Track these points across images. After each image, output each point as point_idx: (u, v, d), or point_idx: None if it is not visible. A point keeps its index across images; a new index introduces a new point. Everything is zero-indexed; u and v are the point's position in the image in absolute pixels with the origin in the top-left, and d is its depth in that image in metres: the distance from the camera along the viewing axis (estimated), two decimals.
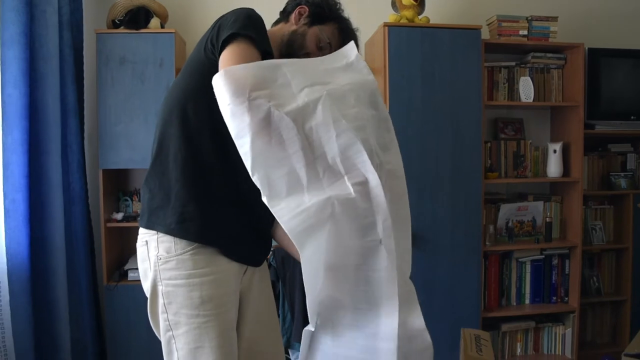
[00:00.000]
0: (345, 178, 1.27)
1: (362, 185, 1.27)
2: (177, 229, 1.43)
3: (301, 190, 1.26)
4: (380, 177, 1.27)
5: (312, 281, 1.29)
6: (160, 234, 1.45)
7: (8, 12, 2.32)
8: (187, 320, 1.43)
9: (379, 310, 1.34)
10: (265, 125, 1.23)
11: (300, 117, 1.25)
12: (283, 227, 1.22)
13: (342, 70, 1.42)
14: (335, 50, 1.55)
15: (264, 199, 1.24)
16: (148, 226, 1.48)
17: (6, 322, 2.35)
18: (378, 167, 1.28)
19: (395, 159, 1.43)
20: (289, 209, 1.23)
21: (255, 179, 1.24)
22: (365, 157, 1.26)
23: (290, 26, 1.61)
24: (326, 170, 1.27)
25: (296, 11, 1.62)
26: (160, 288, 1.45)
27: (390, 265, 1.31)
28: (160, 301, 1.46)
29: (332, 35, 1.61)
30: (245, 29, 1.38)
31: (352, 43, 1.48)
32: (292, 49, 1.58)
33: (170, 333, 1.45)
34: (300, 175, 1.26)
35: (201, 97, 1.44)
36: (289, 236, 1.21)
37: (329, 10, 1.62)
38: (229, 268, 1.48)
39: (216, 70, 1.31)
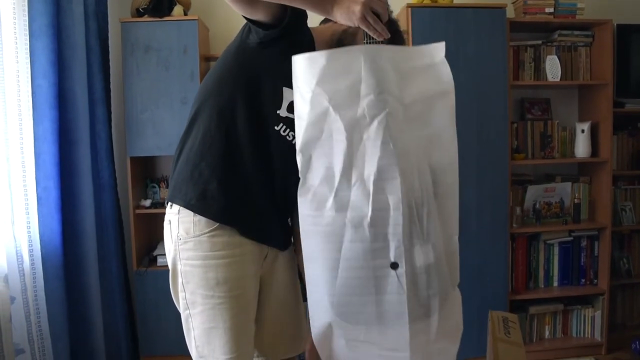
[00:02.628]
0: (370, 199, 1.29)
1: (383, 212, 1.29)
2: (197, 206, 1.46)
3: (331, 190, 1.31)
4: (409, 203, 1.30)
5: (314, 284, 1.39)
6: (182, 212, 1.48)
7: (36, 3, 2.36)
8: (203, 301, 1.46)
9: (389, 328, 1.38)
10: (321, 119, 1.28)
11: (354, 125, 1.29)
12: (299, 214, 1.34)
13: (422, 72, 1.36)
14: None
15: (300, 176, 1.32)
16: (170, 199, 1.53)
17: (41, 307, 2.41)
18: (411, 190, 1.31)
19: (448, 178, 1.47)
20: (311, 205, 1.32)
21: (298, 159, 1.31)
22: (397, 184, 1.28)
23: (340, 26, 1.56)
24: (358, 181, 1.30)
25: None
26: (179, 267, 1.50)
27: (399, 288, 1.33)
28: (180, 280, 1.50)
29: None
30: None
31: (442, 43, 1.40)
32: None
33: (188, 312, 1.50)
34: (336, 175, 1.30)
35: (237, 78, 1.47)
36: (300, 227, 1.34)
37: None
38: (247, 251, 1.50)
39: (258, 54, 1.42)
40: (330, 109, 1.27)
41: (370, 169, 1.29)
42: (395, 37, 1.60)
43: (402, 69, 1.33)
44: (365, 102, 1.28)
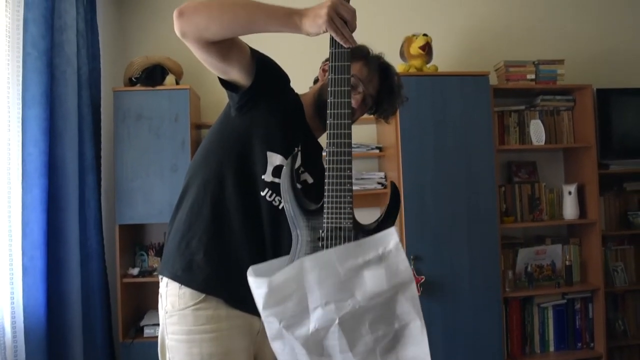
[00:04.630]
0: None
1: None
2: (182, 277, 1.44)
3: None
4: None
5: None
6: (169, 284, 1.46)
7: (30, 73, 2.39)
8: None
9: None
10: (279, 336, 1.27)
11: (312, 341, 1.26)
12: None
13: (375, 266, 1.24)
14: (369, 83, 1.59)
15: None
16: (160, 271, 1.51)
17: None
18: None
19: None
20: None
21: None
22: None
23: (319, 83, 1.62)
24: None
25: (320, 70, 1.66)
26: (167, 342, 1.46)
27: None
28: (167, 355, 1.46)
29: (359, 72, 1.57)
30: None
31: (392, 229, 1.27)
32: (322, 100, 1.53)
33: None
34: None
35: (223, 147, 1.48)
36: None
37: None
38: (236, 325, 1.46)
39: (240, 122, 1.43)
40: (283, 330, 1.25)
41: None
42: (385, 73, 1.63)
43: (353, 268, 1.23)
44: (314, 317, 1.24)
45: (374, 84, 1.61)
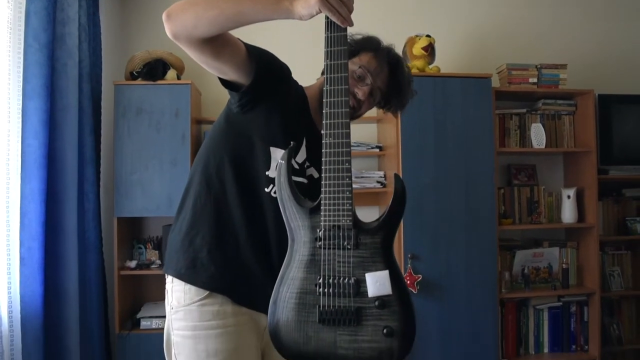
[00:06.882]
0: None
1: None
2: (187, 275, 1.43)
3: None
4: None
5: None
6: (175, 282, 1.46)
7: (31, 66, 2.39)
8: None
9: None
10: None
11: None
12: None
13: None
14: (377, 75, 1.52)
15: None
16: (165, 270, 1.51)
17: None
18: None
19: None
20: None
21: None
22: None
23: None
24: None
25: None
26: (172, 337, 1.45)
27: None
28: (173, 351, 1.46)
29: (368, 63, 1.52)
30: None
31: None
32: None
33: None
34: None
35: (224, 144, 1.47)
36: None
37: (354, 44, 1.56)
38: (243, 321, 1.44)
39: (241, 120, 1.42)
40: None
41: None
42: (395, 66, 1.56)
43: None
44: None
45: (382, 77, 1.54)
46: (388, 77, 1.56)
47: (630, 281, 3.49)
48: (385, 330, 1.25)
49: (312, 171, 1.51)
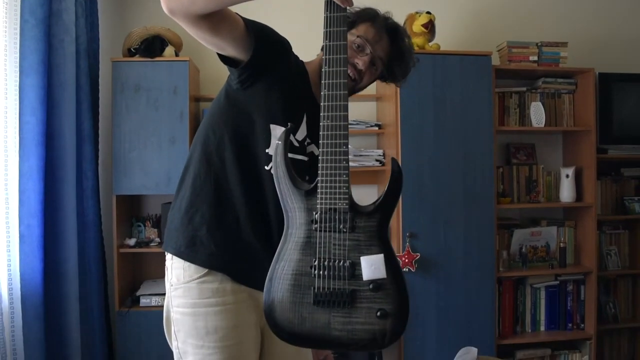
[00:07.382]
0: None
1: None
2: (186, 253, 1.43)
3: None
4: None
5: None
6: (174, 259, 1.46)
7: (27, 41, 2.37)
8: (193, 350, 1.41)
9: None
10: None
11: None
12: None
13: None
14: (376, 43, 1.50)
15: None
16: (164, 247, 1.50)
17: (19, 349, 2.33)
18: None
19: None
20: None
21: None
22: None
23: None
24: None
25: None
26: (172, 315, 1.46)
27: None
28: (172, 328, 1.46)
29: (366, 32, 1.50)
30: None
31: None
32: None
33: None
34: None
35: (224, 121, 1.46)
36: None
37: (351, 16, 1.53)
38: (243, 298, 1.44)
39: (241, 96, 1.40)
40: None
41: None
42: (394, 33, 1.54)
43: None
44: None
45: (382, 46, 1.52)
46: (388, 45, 1.54)
47: (627, 260, 3.52)
48: (378, 313, 1.25)
49: (313, 148, 1.50)
